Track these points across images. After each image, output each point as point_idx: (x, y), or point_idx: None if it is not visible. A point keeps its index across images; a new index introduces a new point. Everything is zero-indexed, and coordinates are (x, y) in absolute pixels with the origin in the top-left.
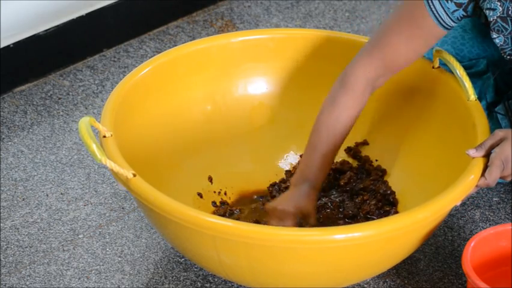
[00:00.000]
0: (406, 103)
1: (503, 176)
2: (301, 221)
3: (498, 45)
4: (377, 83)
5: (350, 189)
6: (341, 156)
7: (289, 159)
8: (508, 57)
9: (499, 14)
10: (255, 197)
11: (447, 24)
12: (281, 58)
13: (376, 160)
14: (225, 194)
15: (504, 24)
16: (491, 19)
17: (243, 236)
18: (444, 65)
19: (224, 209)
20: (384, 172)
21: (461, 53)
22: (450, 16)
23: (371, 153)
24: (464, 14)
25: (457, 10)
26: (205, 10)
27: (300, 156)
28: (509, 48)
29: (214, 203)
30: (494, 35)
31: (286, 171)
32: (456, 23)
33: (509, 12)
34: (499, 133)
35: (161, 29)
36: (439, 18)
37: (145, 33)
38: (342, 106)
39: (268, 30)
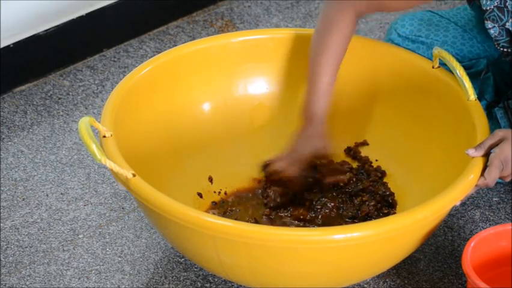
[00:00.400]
0: (406, 103)
1: (503, 177)
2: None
3: (492, 36)
4: (362, 15)
5: (349, 190)
6: (341, 156)
7: None
8: (501, 49)
9: (496, 4)
10: (251, 195)
11: None
12: (281, 58)
13: (376, 160)
14: (225, 193)
15: (500, 15)
16: (488, 8)
17: (243, 236)
18: (444, 65)
19: (224, 209)
20: (383, 173)
21: (461, 53)
22: None
23: (371, 154)
24: None
25: None
26: (205, 10)
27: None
28: (503, 40)
29: (214, 202)
30: (489, 25)
31: None
32: None
33: (507, 3)
34: (499, 133)
35: (161, 29)
36: None
37: (145, 33)
38: (335, 35)
39: (268, 30)
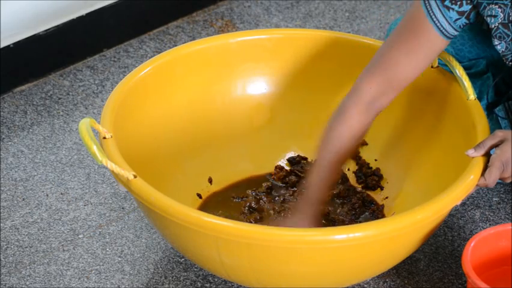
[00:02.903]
0: (405, 103)
1: (503, 178)
2: None
3: (500, 51)
4: (378, 102)
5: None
6: None
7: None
8: (510, 63)
9: (500, 21)
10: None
11: (449, 33)
12: (280, 58)
13: (375, 160)
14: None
15: (506, 31)
16: (493, 26)
17: (244, 237)
18: (443, 64)
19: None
20: (381, 177)
21: (461, 53)
22: (452, 25)
23: (370, 154)
24: (467, 21)
25: (459, 19)
26: (205, 10)
27: (298, 157)
28: (511, 55)
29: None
30: (496, 42)
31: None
32: (458, 31)
33: (511, 18)
34: (499, 133)
35: (161, 29)
36: (441, 29)
37: (145, 33)
38: (344, 133)
39: (267, 31)
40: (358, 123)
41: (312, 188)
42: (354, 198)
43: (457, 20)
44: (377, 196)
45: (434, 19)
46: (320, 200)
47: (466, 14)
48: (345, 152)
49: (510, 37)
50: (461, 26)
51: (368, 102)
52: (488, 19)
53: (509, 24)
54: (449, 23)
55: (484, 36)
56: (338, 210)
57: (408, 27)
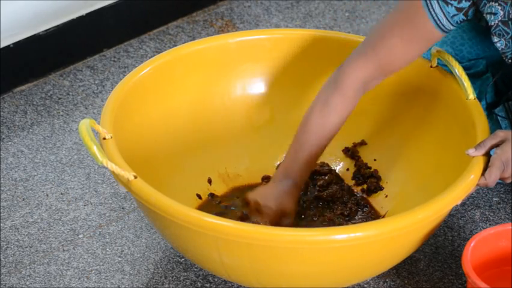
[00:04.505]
0: (404, 103)
1: (503, 178)
2: (280, 219)
3: (499, 49)
4: (369, 85)
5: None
6: (339, 156)
7: None
8: (510, 60)
9: (500, 18)
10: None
11: (445, 28)
12: (279, 58)
13: (374, 160)
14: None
15: (505, 28)
16: (492, 23)
17: (245, 237)
18: (443, 64)
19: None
20: (379, 178)
21: (461, 54)
22: (449, 20)
23: (369, 154)
24: (464, 18)
25: (456, 14)
26: (205, 10)
27: None
28: (510, 52)
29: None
30: (495, 39)
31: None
32: (455, 26)
33: (511, 16)
34: (500, 133)
35: (161, 29)
36: (438, 22)
37: (145, 33)
38: (333, 108)
39: (266, 31)
40: (346, 111)
41: (292, 164)
42: (350, 201)
43: (454, 15)
44: (376, 201)
45: (432, 13)
46: (299, 177)
47: (464, 11)
48: (330, 138)
49: (510, 34)
50: (458, 22)
51: (357, 89)
52: (488, 16)
53: (509, 22)
54: (447, 18)
55: (483, 36)
56: (328, 212)
57: (404, 16)
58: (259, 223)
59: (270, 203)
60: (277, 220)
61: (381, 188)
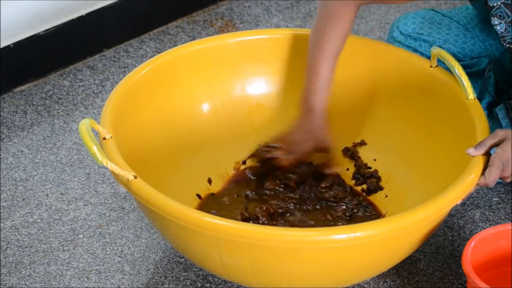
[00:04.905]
0: (404, 102)
1: (503, 177)
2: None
3: (499, 32)
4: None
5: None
6: (339, 156)
7: None
8: (508, 45)
9: (503, 0)
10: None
11: None
12: (279, 58)
13: (374, 160)
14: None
15: (507, 11)
16: (495, 4)
17: (245, 237)
18: (443, 64)
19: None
20: (379, 179)
21: (463, 52)
22: None
23: (369, 154)
24: None
25: None
26: (205, 10)
27: None
28: (510, 36)
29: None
30: (496, 21)
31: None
32: None
33: None
34: (500, 133)
35: (161, 29)
36: None
37: (145, 33)
38: (336, 22)
39: (266, 31)
40: (350, 21)
41: (310, 94)
42: (352, 202)
43: None
44: (376, 201)
45: None
46: (322, 103)
47: None
48: (339, 54)
49: (510, 18)
50: None
51: (358, 6)
52: None
53: None
54: None
55: (486, 34)
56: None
57: None
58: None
59: (306, 138)
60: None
61: (381, 188)
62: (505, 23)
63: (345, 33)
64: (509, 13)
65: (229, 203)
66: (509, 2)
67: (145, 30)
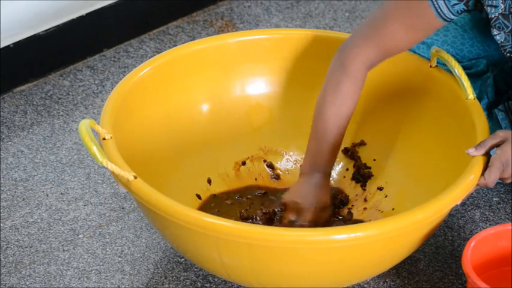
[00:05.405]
0: (404, 103)
1: (503, 178)
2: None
3: (498, 42)
4: (374, 65)
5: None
6: (338, 157)
7: (288, 159)
8: (508, 54)
9: (500, 11)
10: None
11: (446, 17)
12: (279, 58)
13: (374, 160)
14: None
15: (505, 22)
16: (493, 16)
17: (245, 237)
18: (443, 64)
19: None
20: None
21: (461, 53)
22: (450, 9)
23: (369, 154)
24: (465, 8)
25: (457, 4)
26: (205, 10)
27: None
28: (510, 46)
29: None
30: (495, 32)
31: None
32: (456, 16)
33: (511, 10)
34: (500, 134)
35: (161, 29)
36: (439, 11)
37: (145, 33)
38: (346, 94)
39: (266, 31)
40: (357, 94)
41: (317, 156)
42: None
43: (455, 5)
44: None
45: (435, 2)
46: (327, 167)
47: (464, 1)
48: (347, 123)
49: (509, 28)
50: (459, 12)
51: (364, 71)
52: (489, 9)
53: (510, 16)
54: (448, 8)
55: (484, 36)
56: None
57: (406, 3)
58: (303, 225)
59: (310, 199)
60: (318, 214)
61: (381, 188)
62: (504, 33)
63: (356, 100)
64: (508, 23)
65: (231, 204)
66: (507, 12)
67: (145, 30)
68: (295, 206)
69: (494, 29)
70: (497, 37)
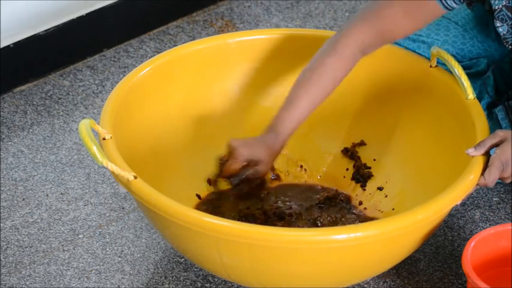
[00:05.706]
0: (404, 102)
1: (503, 178)
2: (254, 168)
3: (501, 34)
4: (368, 50)
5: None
6: (338, 157)
7: (288, 160)
8: (510, 47)
9: (504, 3)
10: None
11: (449, 5)
12: (279, 58)
13: (374, 160)
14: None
15: (509, 14)
16: (496, 7)
17: (245, 237)
18: (443, 64)
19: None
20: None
21: (462, 53)
22: None
23: (369, 154)
24: None
25: None
26: (205, 10)
27: None
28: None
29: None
30: (498, 24)
31: None
32: (458, 5)
33: None
34: (500, 133)
35: (161, 29)
36: (443, 0)
37: (145, 33)
38: (329, 67)
39: (266, 31)
40: (341, 71)
41: (279, 120)
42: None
43: None
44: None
45: None
46: (283, 132)
47: None
48: (322, 98)
49: None
50: (461, 1)
51: (355, 51)
52: (492, 0)
53: None
54: None
55: (485, 35)
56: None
57: None
58: (231, 166)
59: (243, 150)
60: (249, 167)
61: (380, 188)
62: (507, 25)
63: (339, 80)
64: (511, 15)
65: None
66: (510, 4)
67: (145, 30)
68: (231, 150)
69: (497, 21)
70: (500, 29)
